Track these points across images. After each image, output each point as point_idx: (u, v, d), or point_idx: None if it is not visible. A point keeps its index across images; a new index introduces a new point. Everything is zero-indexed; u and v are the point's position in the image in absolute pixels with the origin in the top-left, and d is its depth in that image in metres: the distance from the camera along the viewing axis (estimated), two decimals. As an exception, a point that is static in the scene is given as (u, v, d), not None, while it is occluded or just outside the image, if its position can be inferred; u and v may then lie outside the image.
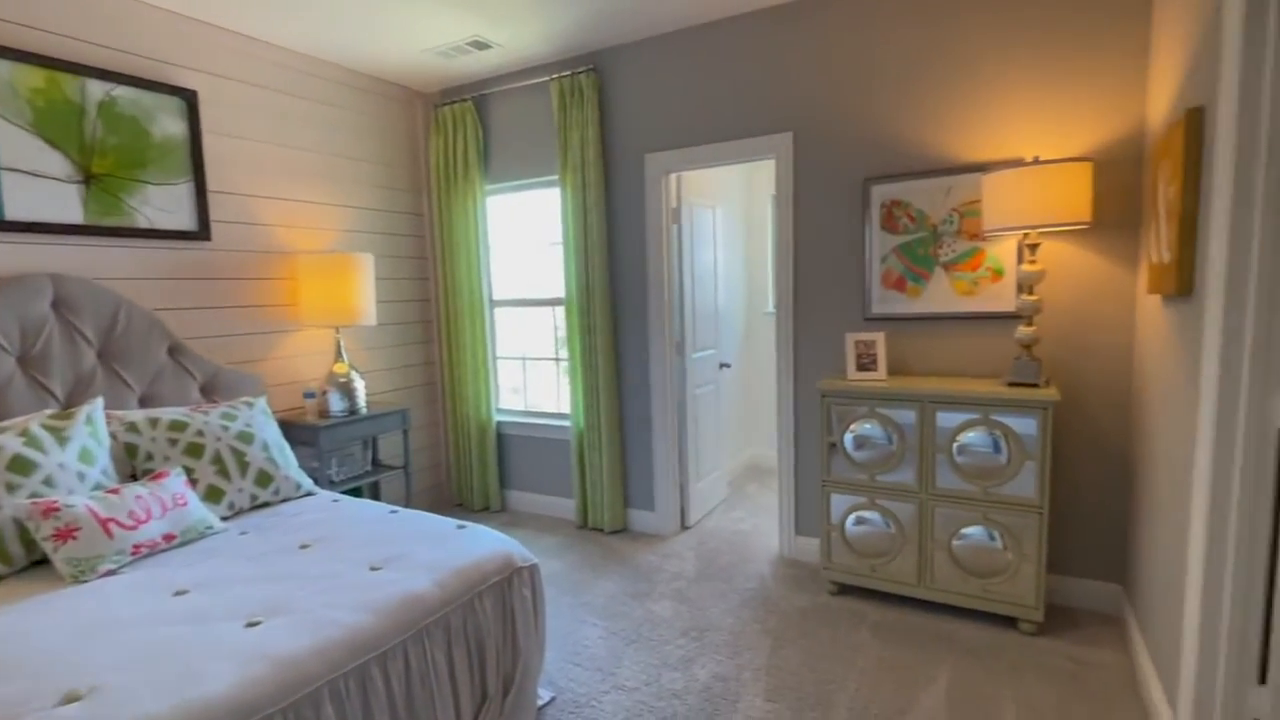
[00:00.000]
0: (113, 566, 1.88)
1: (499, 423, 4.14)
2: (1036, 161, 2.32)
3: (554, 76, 3.53)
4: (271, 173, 3.28)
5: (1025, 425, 2.41)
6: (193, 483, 2.30)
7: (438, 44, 3.33)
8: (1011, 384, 2.50)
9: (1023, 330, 2.48)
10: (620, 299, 3.63)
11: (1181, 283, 1.78)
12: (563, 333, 4.04)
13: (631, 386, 3.66)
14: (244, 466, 2.42)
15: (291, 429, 3.25)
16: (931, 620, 2.63)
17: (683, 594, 2.94)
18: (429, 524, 2.23)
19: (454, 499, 4.28)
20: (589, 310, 3.60)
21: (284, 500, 2.53)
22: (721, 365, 4.06)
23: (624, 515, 3.74)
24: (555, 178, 3.78)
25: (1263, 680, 1.53)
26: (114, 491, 2.00)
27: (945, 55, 2.72)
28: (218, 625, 1.56)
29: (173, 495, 2.11)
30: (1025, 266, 2.46)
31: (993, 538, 2.51)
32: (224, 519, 2.34)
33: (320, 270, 3.23)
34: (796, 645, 2.49)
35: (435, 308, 4.24)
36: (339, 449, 3.57)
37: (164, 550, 2.03)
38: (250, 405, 2.67)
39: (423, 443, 4.22)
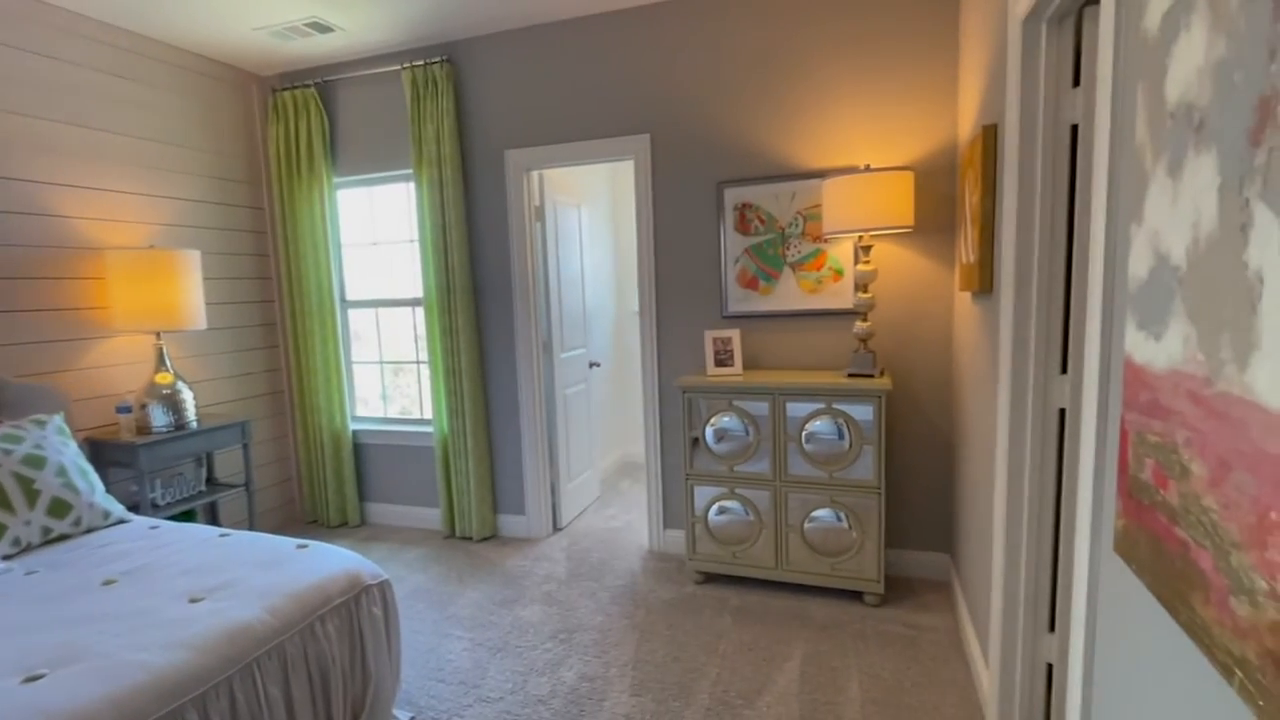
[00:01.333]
0: None
1: (355, 432, 3.88)
2: (868, 169, 2.51)
3: (406, 65, 3.36)
4: (68, 157, 2.86)
5: (864, 413, 2.61)
6: (-38, 519, 1.95)
7: (269, 23, 3.06)
8: (851, 375, 2.69)
9: (860, 325, 2.68)
10: (484, 298, 3.53)
11: (984, 281, 1.99)
12: (425, 334, 3.87)
13: (498, 388, 3.57)
14: (32, 496, 2.09)
15: (103, 448, 2.86)
16: (788, 601, 2.78)
17: (552, 596, 2.90)
18: (264, 546, 2.04)
19: (306, 516, 3.97)
20: (450, 310, 3.47)
21: (89, 531, 2.22)
22: (591, 364, 4.07)
23: (493, 521, 3.64)
24: (410, 172, 3.61)
25: (1052, 628, 1.75)
26: None
27: (783, 67, 2.88)
28: (-15, 684, 1.33)
29: (-68, 535, 1.78)
30: (860, 266, 2.65)
31: (839, 519, 2.69)
32: (6, 558, 2.01)
33: (135, 269, 2.86)
34: (663, 637, 2.54)
35: (280, 309, 3.90)
36: (163, 469, 3.20)
37: (-80, 601, 1.71)
38: (41, 424, 2.32)
39: (269, 457, 3.87)
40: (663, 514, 3.34)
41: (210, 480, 3.45)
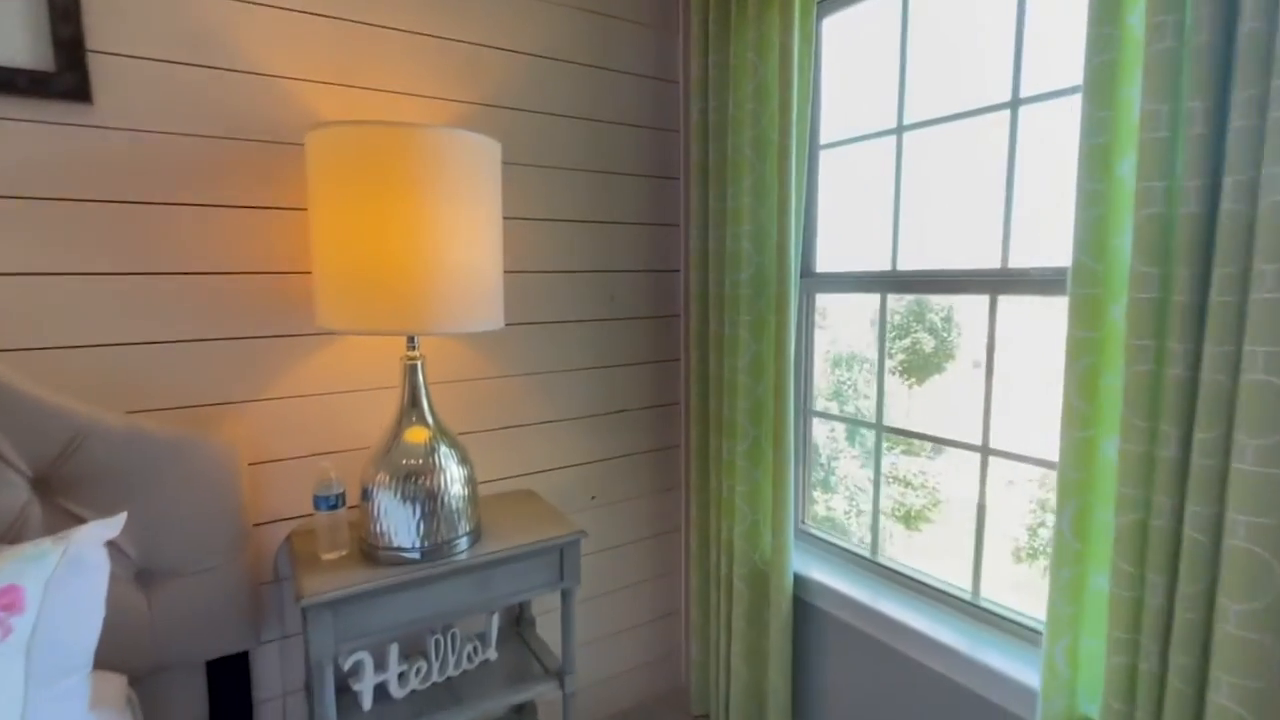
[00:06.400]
0: None
1: (802, 580, 1.68)
2: None
3: None
4: (279, -58, 1.32)
5: None
6: None
7: None
8: None
9: None
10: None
11: None
12: (1075, 385, 1.38)
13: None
14: None
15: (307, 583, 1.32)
16: None
17: None
18: None
19: None
20: (1186, 314, 0.90)
21: None
22: None
23: None
24: None
25: None
26: None
27: None
28: None
29: None
30: None
31: None
32: None
33: (340, 169, 1.17)
34: None
35: (684, 287, 1.95)
36: (388, 635, 1.54)
37: None
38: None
39: (644, 600, 2.00)
40: None
41: (521, 624, 1.72)
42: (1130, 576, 0.97)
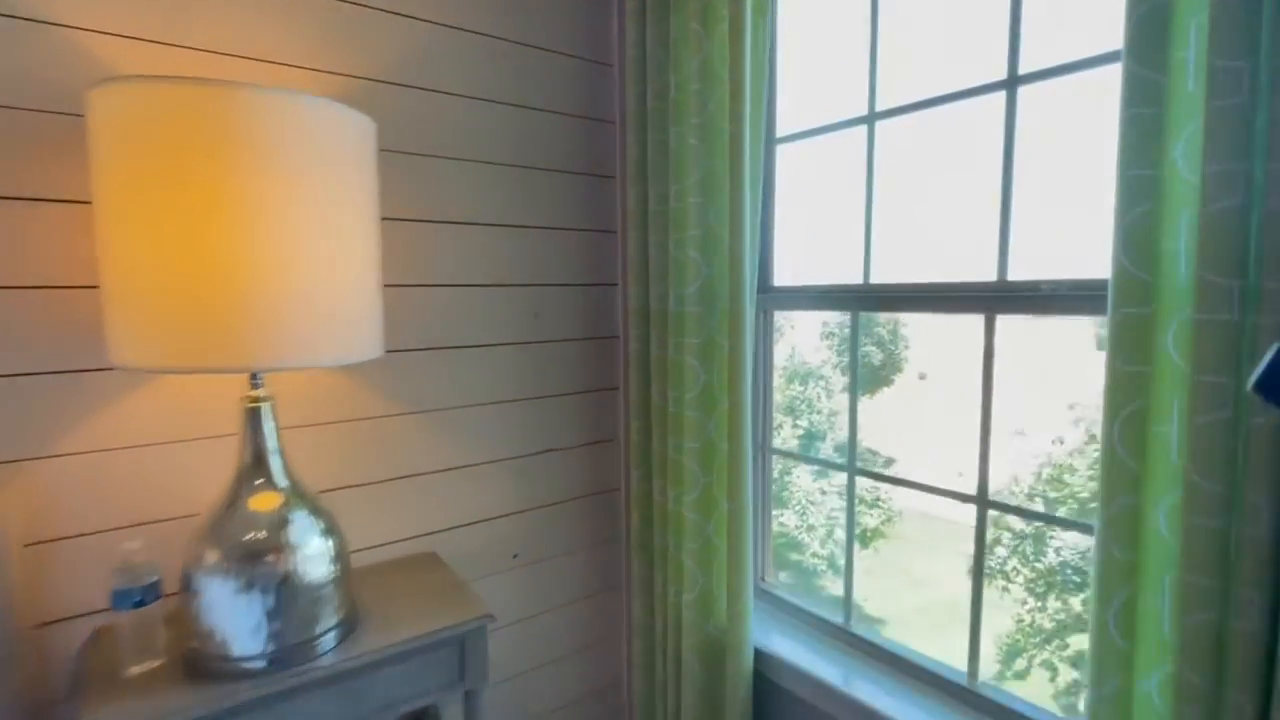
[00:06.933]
0: None
1: (761, 654, 1.41)
2: None
3: None
4: None
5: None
6: None
7: None
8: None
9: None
10: None
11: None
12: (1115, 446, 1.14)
13: None
14: None
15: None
16: None
17: None
18: None
19: (637, 800, 1.69)
20: (1276, 340, 0.67)
21: None
22: None
23: None
24: None
25: None
26: None
27: None
28: None
29: None
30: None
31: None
32: None
33: (144, 144, 0.85)
34: None
35: (620, 305, 1.68)
36: None
37: None
38: None
39: (579, 669, 1.69)
40: None
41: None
42: (1202, 692, 0.72)
